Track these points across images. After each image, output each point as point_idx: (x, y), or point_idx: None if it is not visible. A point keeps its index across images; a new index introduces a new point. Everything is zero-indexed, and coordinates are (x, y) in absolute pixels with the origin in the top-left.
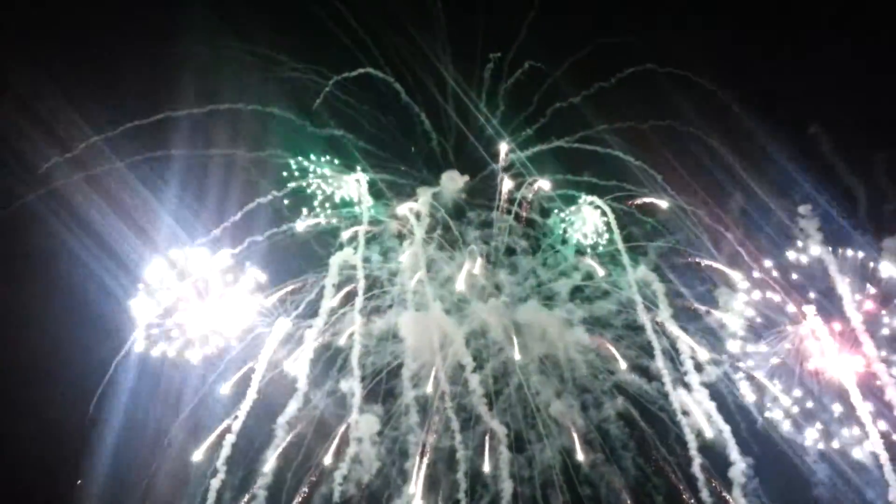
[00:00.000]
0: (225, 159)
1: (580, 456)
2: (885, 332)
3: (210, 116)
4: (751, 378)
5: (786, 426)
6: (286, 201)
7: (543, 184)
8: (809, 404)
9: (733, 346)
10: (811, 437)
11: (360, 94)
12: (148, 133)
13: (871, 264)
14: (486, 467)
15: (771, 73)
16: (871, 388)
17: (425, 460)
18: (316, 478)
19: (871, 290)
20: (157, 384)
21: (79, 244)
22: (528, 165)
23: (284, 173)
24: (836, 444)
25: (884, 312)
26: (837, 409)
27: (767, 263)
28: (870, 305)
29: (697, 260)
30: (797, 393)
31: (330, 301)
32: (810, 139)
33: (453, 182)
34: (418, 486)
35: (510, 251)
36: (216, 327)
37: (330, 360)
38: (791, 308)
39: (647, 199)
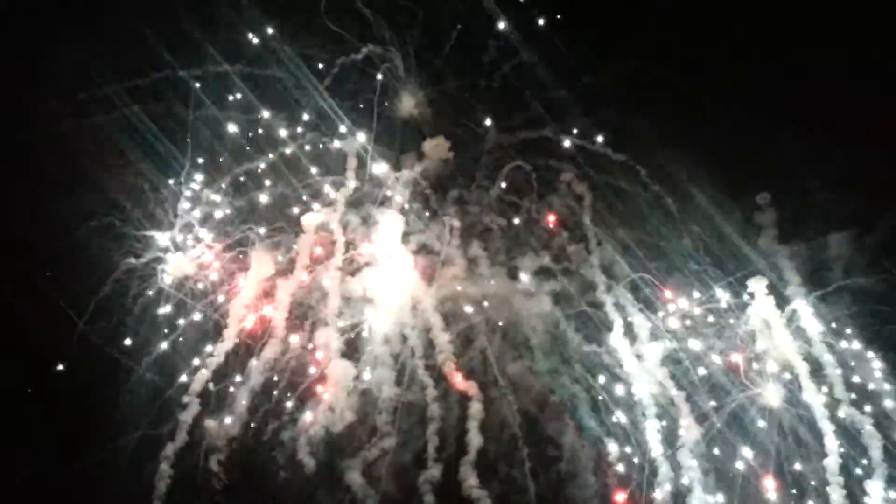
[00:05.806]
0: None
1: (539, 415)
2: None
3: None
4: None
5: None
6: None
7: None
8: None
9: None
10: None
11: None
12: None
13: None
14: (453, 423)
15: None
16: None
17: (397, 415)
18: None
19: None
20: None
21: None
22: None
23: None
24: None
25: None
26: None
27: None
28: None
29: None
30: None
31: (305, 257)
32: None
33: (437, 150)
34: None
35: (486, 227)
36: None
37: (302, 315)
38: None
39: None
